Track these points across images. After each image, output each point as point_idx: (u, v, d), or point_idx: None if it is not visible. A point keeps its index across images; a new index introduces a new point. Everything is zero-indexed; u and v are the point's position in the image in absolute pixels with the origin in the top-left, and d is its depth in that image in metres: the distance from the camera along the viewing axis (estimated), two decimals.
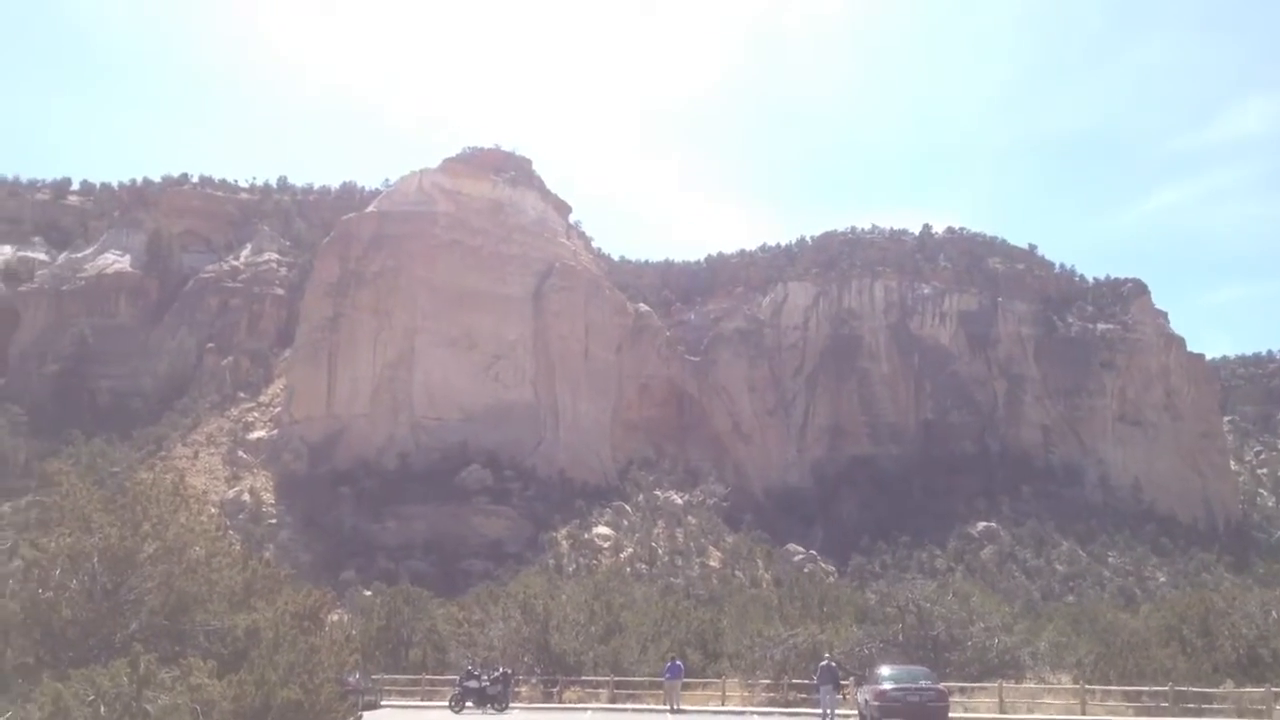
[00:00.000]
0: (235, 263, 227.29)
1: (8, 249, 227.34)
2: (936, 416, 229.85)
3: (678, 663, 51.02)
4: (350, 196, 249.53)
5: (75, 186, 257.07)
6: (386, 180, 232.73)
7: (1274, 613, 46.25)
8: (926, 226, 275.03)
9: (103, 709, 19.39)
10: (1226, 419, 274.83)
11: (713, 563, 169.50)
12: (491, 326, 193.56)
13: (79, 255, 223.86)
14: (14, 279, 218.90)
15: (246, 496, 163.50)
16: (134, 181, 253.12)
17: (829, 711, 42.99)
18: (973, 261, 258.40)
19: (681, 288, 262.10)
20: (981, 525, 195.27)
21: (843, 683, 49.27)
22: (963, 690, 46.52)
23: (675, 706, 49.21)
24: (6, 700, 20.09)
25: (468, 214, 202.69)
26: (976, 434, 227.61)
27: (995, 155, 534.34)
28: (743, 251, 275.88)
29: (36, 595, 22.42)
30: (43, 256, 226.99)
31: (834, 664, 45.48)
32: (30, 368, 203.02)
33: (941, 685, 39.30)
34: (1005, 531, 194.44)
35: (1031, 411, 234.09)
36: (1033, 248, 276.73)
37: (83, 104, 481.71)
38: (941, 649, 50.05)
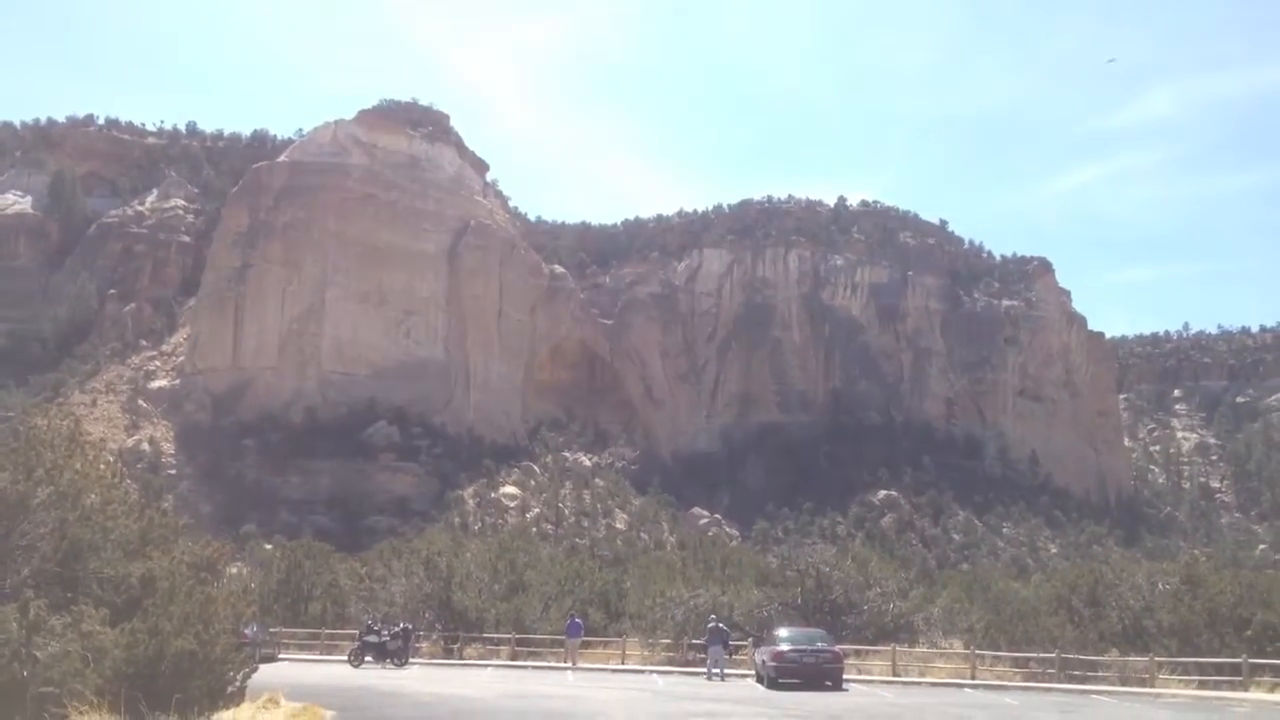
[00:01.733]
0: (140, 208, 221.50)
1: None
2: (844, 386, 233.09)
3: (577, 620, 51.54)
4: (262, 145, 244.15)
5: None
6: (300, 130, 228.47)
7: (1160, 585, 47.91)
8: (841, 199, 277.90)
9: None
10: (1123, 396, 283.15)
11: (619, 525, 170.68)
12: (404, 283, 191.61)
13: None
14: None
15: (146, 446, 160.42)
16: (37, 121, 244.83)
17: (718, 670, 43.99)
18: (885, 235, 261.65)
19: (598, 251, 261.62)
20: (883, 494, 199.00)
21: (740, 643, 50.22)
22: (858, 653, 47.61)
23: (574, 664, 49.72)
24: None
25: (382, 168, 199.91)
26: (882, 404, 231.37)
27: (911, 130, 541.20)
28: (660, 216, 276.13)
29: None
30: None
31: (722, 625, 46.42)
32: None
33: (837, 647, 40.18)
34: (905, 500, 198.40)
35: (936, 384, 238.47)
36: (943, 223, 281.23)
37: None
38: (839, 612, 51.14)
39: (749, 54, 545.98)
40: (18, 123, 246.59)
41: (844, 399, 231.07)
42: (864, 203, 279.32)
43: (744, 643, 49.90)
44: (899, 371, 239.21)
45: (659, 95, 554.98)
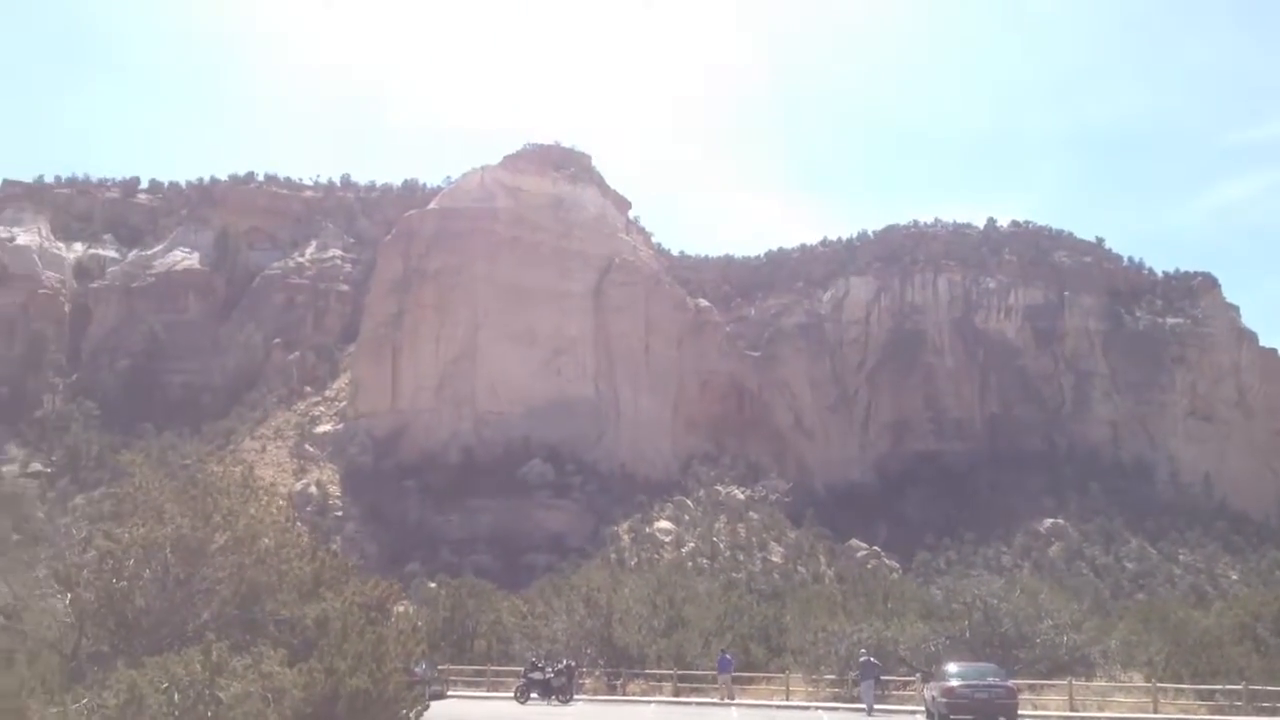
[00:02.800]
0: (301, 259, 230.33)
1: (79, 247, 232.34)
2: (1002, 412, 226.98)
3: (727, 656, 51.13)
4: (412, 194, 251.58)
5: (144, 185, 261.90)
6: (448, 177, 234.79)
7: None
8: (991, 220, 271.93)
9: (176, 696, 19.67)
10: None
11: (775, 558, 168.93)
12: (552, 322, 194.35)
13: (148, 253, 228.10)
14: (85, 276, 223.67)
15: (313, 489, 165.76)
16: (201, 180, 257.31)
17: (870, 705, 43.29)
18: (1038, 255, 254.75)
19: (742, 283, 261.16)
20: (1049, 522, 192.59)
21: (908, 679, 48.99)
22: (1031, 688, 45.99)
23: (728, 699, 49.26)
24: (83, 688, 20.44)
25: (528, 210, 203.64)
26: (1043, 430, 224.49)
27: (1060, 147, 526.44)
28: (803, 246, 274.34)
29: (111, 585, 22.77)
30: (113, 254, 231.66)
31: (873, 659, 45.51)
32: (102, 363, 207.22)
33: (1010, 682, 38.88)
34: (1073, 528, 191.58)
35: (1100, 407, 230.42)
36: (1100, 241, 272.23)
37: (151, 104, 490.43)
38: (1009, 646, 49.52)
39: (888, 77, 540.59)
40: (183, 183, 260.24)
41: (1002, 425, 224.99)
42: (1015, 223, 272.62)
43: (911, 679, 48.75)
44: (1059, 395, 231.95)
45: (797, 124, 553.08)
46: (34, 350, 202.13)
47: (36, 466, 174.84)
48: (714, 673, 52.10)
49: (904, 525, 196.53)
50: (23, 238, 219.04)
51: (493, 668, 60.57)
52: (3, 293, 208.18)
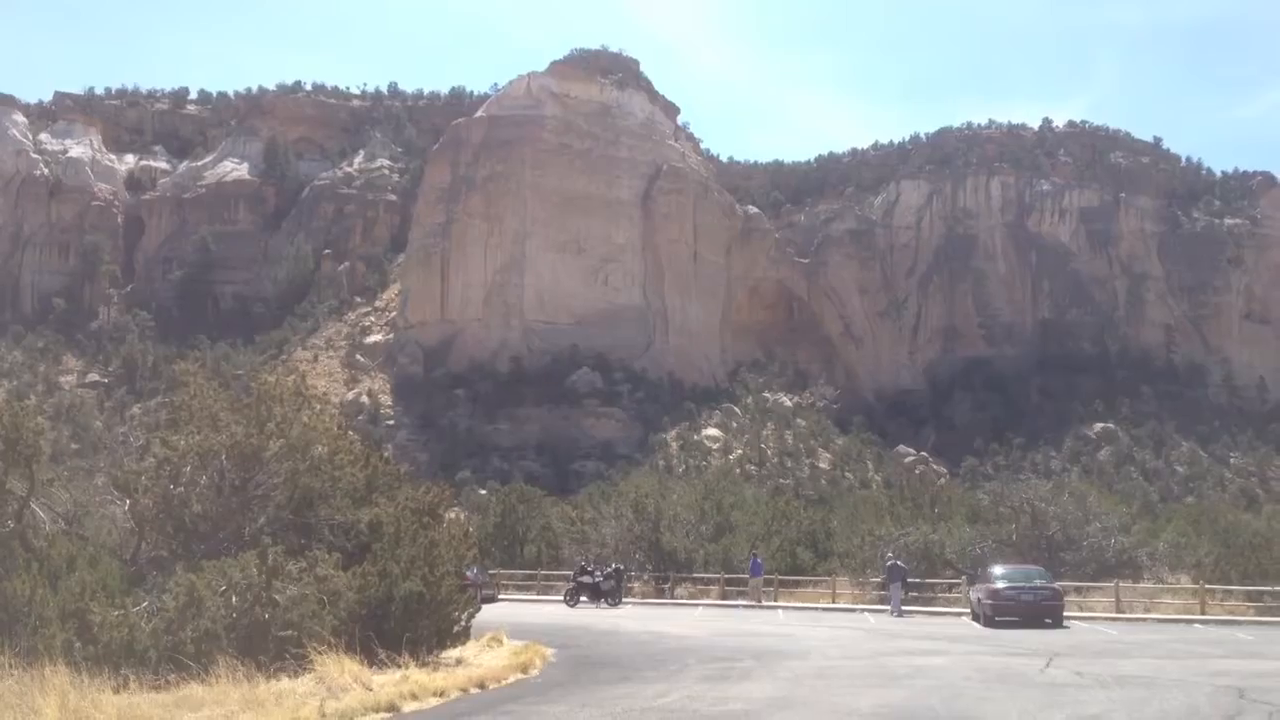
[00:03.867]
0: (349, 169, 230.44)
1: (130, 158, 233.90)
2: (1054, 316, 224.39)
3: (758, 559, 51.76)
4: (460, 102, 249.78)
5: (193, 96, 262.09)
6: (495, 85, 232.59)
7: None
8: (1046, 120, 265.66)
9: (234, 599, 20.26)
10: None
11: (822, 464, 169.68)
12: (600, 230, 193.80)
13: (199, 164, 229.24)
14: (137, 187, 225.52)
15: (365, 398, 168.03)
16: (249, 90, 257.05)
17: (897, 608, 43.95)
18: (1095, 156, 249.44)
19: (791, 188, 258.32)
20: (1099, 426, 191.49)
21: (954, 581, 49.39)
22: (1078, 590, 46.22)
23: (759, 602, 50.00)
24: (143, 591, 21.06)
25: (576, 117, 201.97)
26: (1096, 334, 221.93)
27: (1118, 44, 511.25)
28: (854, 150, 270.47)
29: (169, 491, 23.30)
30: (164, 165, 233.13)
31: (899, 562, 46.05)
32: (155, 274, 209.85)
33: (1056, 584, 39.12)
34: (1124, 433, 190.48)
35: (1154, 310, 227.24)
36: (1157, 141, 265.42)
37: (199, 15, 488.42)
38: (1056, 549, 49.76)
39: None
40: (231, 93, 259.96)
41: (1054, 330, 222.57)
42: (1071, 123, 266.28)
43: (957, 581, 49.14)
44: (1113, 299, 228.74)
45: (847, 24, 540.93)
46: (88, 262, 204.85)
47: (94, 377, 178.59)
48: (764, 576, 52.75)
49: (952, 431, 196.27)
50: (75, 150, 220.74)
51: (542, 572, 61.69)
52: (56, 205, 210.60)
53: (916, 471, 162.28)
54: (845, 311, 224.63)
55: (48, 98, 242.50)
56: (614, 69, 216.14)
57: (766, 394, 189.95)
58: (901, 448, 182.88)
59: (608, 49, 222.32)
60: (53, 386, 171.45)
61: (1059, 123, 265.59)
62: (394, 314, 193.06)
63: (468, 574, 36.98)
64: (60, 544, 21.32)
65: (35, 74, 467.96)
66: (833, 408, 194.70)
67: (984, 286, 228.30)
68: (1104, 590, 45.72)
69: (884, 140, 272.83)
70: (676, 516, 58.79)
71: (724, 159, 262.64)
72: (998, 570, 39.82)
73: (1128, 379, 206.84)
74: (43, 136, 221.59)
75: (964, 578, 48.00)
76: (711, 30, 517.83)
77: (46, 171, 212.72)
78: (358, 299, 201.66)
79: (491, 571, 57.65)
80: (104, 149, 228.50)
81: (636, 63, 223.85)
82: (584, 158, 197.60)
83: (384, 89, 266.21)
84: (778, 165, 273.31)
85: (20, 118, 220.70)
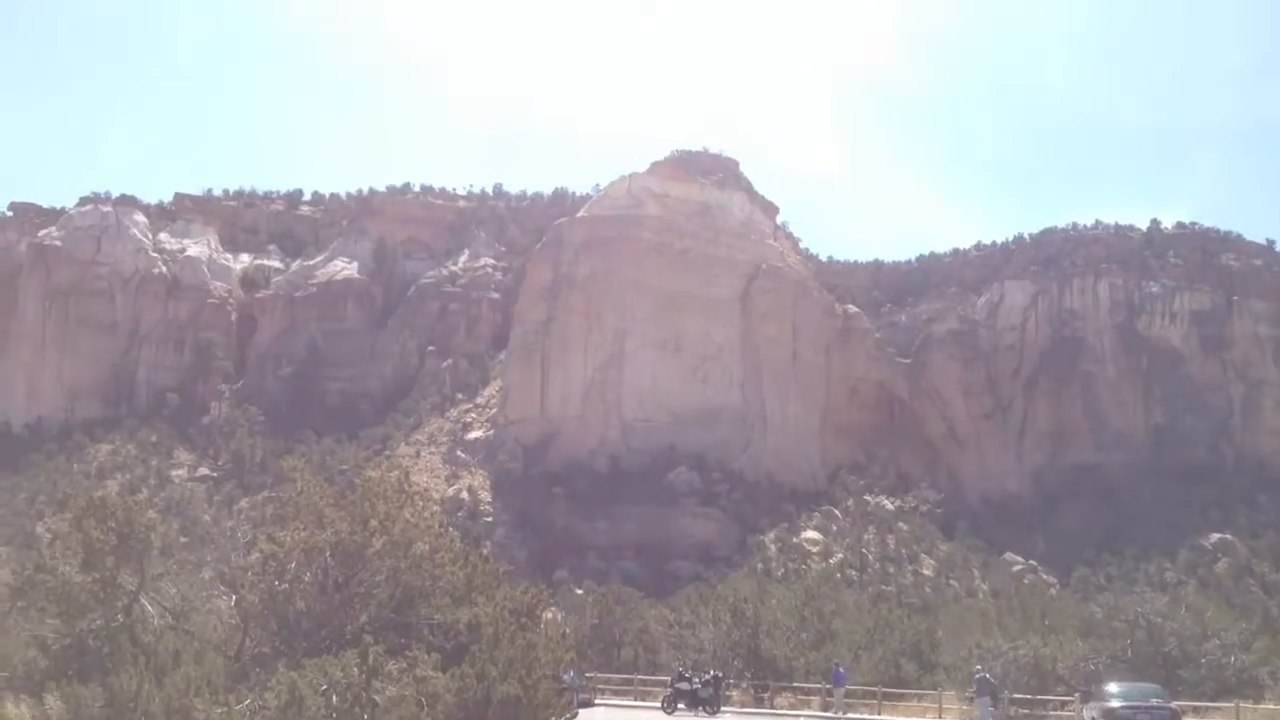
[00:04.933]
0: (454, 268, 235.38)
1: (246, 257, 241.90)
2: (1167, 422, 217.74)
3: (840, 669, 50.24)
4: (562, 202, 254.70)
5: (307, 197, 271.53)
6: (597, 185, 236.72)
7: None
8: (1154, 221, 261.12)
9: (334, 698, 20.11)
10: None
11: (926, 571, 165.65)
12: (699, 329, 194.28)
13: (310, 263, 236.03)
14: (252, 286, 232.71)
15: (465, 494, 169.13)
16: (360, 191, 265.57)
17: None
18: (1205, 258, 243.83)
19: (892, 288, 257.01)
20: (1215, 537, 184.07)
21: (1065, 699, 47.38)
22: (1196, 710, 44.06)
23: (843, 715, 48.43)
24: (245, 688, 21.04)
25: (675, 217, 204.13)
26: (1210, 441, 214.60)
27: (1228, 144, 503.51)
28: (956, 250, 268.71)
29: (273, 587, 23.42)
30: (278, 264, 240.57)
31: (989, 675, 44.49)
32: (267, 370, 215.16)
33: (1174, 704, 37.36)
34: (1241, 544, 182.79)
35: (1271, 417, 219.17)
36: (1270, 243, 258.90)
37: (313, 119, 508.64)
38: (1173, 666, 47.67)
39: (1043, 73, 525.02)
40: (344, 194, 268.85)
41: (1166, 436, 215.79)
42: (1179, 224, 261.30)
43: (1069, 699, 47.24)
44: (1227, 405, 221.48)
45: (948, 124, 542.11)
46: (202, 358, 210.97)
47: (204, 471, 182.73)
48: (865, 687, 51.23)
49: (1062, 539, 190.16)
50: (193, 249, 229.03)
51: (640, 676, 60.71)
52: (173, 303, 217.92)
53: (1025, 581, 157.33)
54: (948, 413, 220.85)
55: (168, 198, 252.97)
56: (714, 169, 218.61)
57: (867, 497, 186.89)
58: (1009, 555, 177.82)
59: (707, 150, 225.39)
60: (164, 480, 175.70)
61: (1167, 223, 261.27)
62: (494, 410, 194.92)
63: (564, 677, 36.47)
64: (167, 639, 21.46)
65: (156, 176, 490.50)
66: (936, 512, 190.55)
67: (1092, 390, 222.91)
68: (1224, 711, 43.50)
69: (986, 240, 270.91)
70: (776, 622, 57.66)
71: (823, 258, 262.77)
72: (1113, 688, 38.26)
73: (1244, 488, 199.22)
74: (162, 236, 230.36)
75: (1076, 695, 46.12)
76: (811, 130, 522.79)
77: (165, 270, 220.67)
78: (460, 395, 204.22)
79: (588, 675, 56.86)
80: (220, 248, 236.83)
81: (736, 163, 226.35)
82: (683, 257, 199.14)
83: (489, 189, 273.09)
84: (878, 264, 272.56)
85: (141, 218, 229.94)
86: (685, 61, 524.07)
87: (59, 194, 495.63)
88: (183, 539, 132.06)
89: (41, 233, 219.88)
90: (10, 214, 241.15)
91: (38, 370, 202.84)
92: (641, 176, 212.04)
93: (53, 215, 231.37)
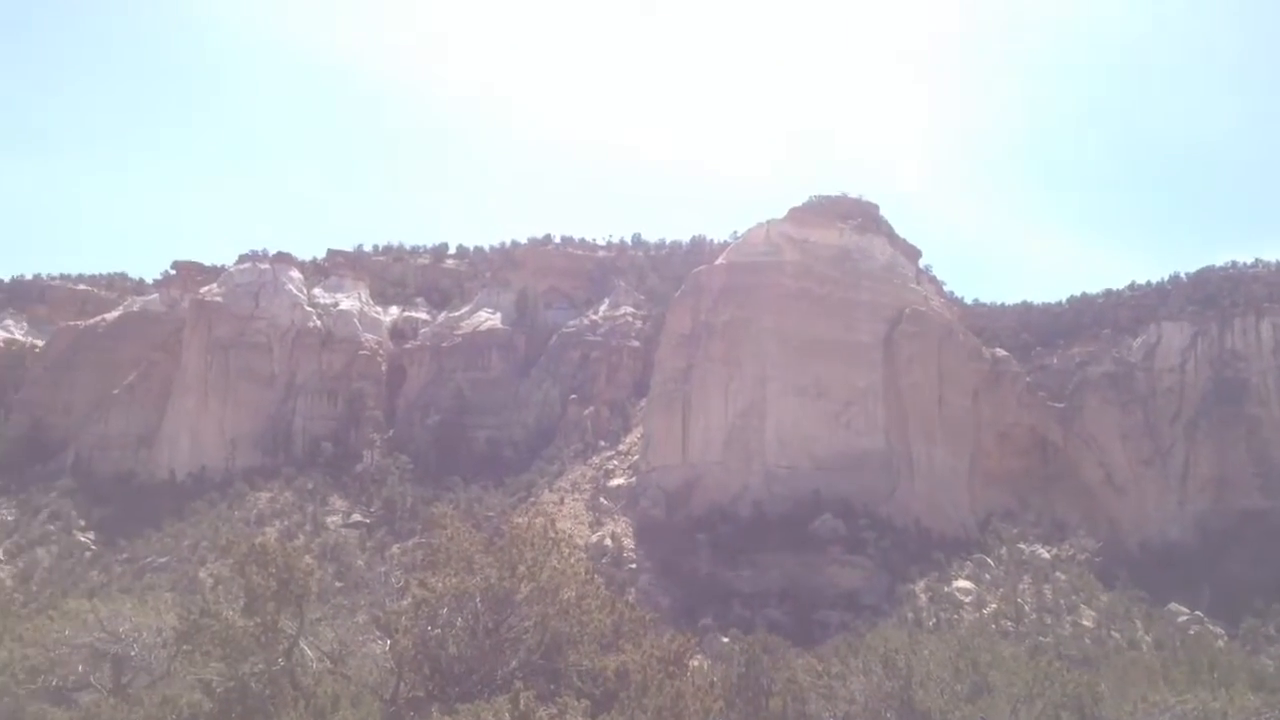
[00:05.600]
0: (594, 317, 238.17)
1: (394, 310, 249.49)
2: None
3: None
4: (700, 250, 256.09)
5: (452, 251, 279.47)
6: (735, 232, 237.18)
7: None
8: None
9: None
10: None
11: (1085, 622, 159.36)
12: (841, 374, 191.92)
13: (456, 314, 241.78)
14: (400, 337, 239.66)
15: (608, 541, 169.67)
16: (503, 244, 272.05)
17: None
18: None
19: (1041, 331, 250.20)
20: None
21: None
22: None
23: None
24: None
25: (815, 262, 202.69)
26: None
27: None
28: (1109, 291, 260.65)
29: (426, 632, 23.71)
30: (424, 316, 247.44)
31: None
32: (415, 419, 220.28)
33: None
34: None
35: None
36: None
37: (457, 174, 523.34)
38: None
39: (1197, 109, 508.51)
40: (486, 247, 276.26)
41: None
42: None
43: None
44: None
45: (1097, 162, 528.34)
46: (354, 408, 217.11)
47: (357, 517, 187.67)
48: None
49: (1228, 588, 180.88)
50: (345, 303, 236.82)
51: None
52: (327, 355, 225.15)
53: (1191, 632, 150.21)
54: (1105, 459, 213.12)
55: (321, 255, 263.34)
56: (853, 214, 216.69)
57: (1021, 545, 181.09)
58: (1174, 605, 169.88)
59: (846, 194, 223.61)
60: (319, 526, 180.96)
61: None
62: (636, 458, 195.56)
63: None
64: (326, 683, 21.82)
65: (310, 234, 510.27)
66: (1095, 560, 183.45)
67: (1258, 434, 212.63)
68: None
69: (1140, 280, 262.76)
70: (930, 674, 55.80)
71: (968, 301, 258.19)
72: None
73: None
74: (316, 291, 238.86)
75: None
76: (952, 174, 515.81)
77: (319, 323, 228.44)
78: (602, 443, 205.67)
79: None
80: (370, 301, 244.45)
81: (876, 206, 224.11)
82: (823, 302, 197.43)
83: (628, 239, 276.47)
84: (1026, 306, 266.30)
85: (296, 274, 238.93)
86: (821, 107, 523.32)
87: (219, 253, 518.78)
88: (337, 584, 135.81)
89: (203, 290, 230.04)
90: (174, 272, 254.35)
91: (201, 421, 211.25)
92: (779, 223, 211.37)
93: (213, 273, 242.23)
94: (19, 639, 33.76)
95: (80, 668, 30.13)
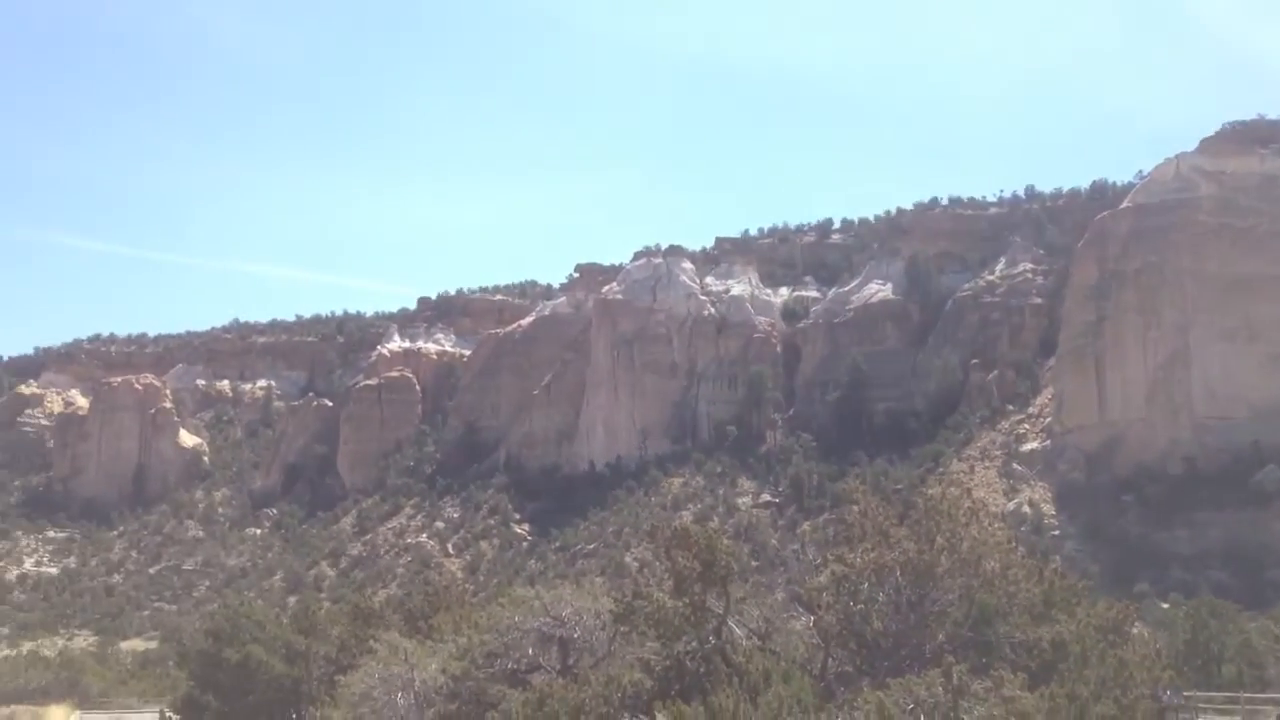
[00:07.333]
0: (990, 278, 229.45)
1: (784, 291, 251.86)
2: None
3: None
4: (1101, 195, 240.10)
5: (836, 225, 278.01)
6: (1139, 173, 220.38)
7: None
8: None
9: (921, 717, 20.03)
10: None
11: None
12: (1275, 314, 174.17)
13: (846, 289, 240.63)
14: (792, 317, 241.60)
15: (1026, 508, 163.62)
16: (888, 213, 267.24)
17: None
18: None
19: None
20: None
21: None
22: None
23: None
24: (834, 706, 21.51)
25: (1235, 194, 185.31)
26: None
27: None
28: None
29: (849, 608, 23.87)
30: (814, 294, 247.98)
31: None
32: (814, 397, 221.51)
33: None
34: None
35: None
36: None
37: (839, 147, 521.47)
38: None
39: None
40: (871, 218, 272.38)
41: None
42: None
43: None
44: None
45: None
46: (753, 391, 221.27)
47: (765, 497, 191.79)
48: None
49: None
50: (736, 289, 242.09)
51: (1245, 694, 55.24)
52: (723, 341, 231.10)
53: None
54: None
55: (710, 244, 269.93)
56: (1275, 137, 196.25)
57: None
58: None
59: (1264, 117, 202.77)
60: (731, 508, 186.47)
61: None
62: (1049, 420, 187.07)
63: (1162, 696, 33.92)
64: (756, 659, 22.48)
65: (699, 224, 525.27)
66: None
67: None
68: None
69: None
70: None
71: None
72: None
73: None
74: (708, 279, 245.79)
75: None
76: None
77: (713, 310, 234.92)
78: (1009, 407, 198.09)
79: (1186, 694, 52.55)
80: (760, 284, 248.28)
81: None
82: (1248, 236, 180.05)
83: (1020, 193, 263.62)
84: None
85: (688, 264, 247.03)
86: (1224, 22, 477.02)
87: (616, 252, 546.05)
88: (753, 563, 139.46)
89: (605, 289, 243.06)
90: (577, 275, 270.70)
91: (613, 413, 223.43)
92: (1189, 156, 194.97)
93: (612, 272, 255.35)
94: (475, 626, 37.03)
95: (530, 650, 32.67)
